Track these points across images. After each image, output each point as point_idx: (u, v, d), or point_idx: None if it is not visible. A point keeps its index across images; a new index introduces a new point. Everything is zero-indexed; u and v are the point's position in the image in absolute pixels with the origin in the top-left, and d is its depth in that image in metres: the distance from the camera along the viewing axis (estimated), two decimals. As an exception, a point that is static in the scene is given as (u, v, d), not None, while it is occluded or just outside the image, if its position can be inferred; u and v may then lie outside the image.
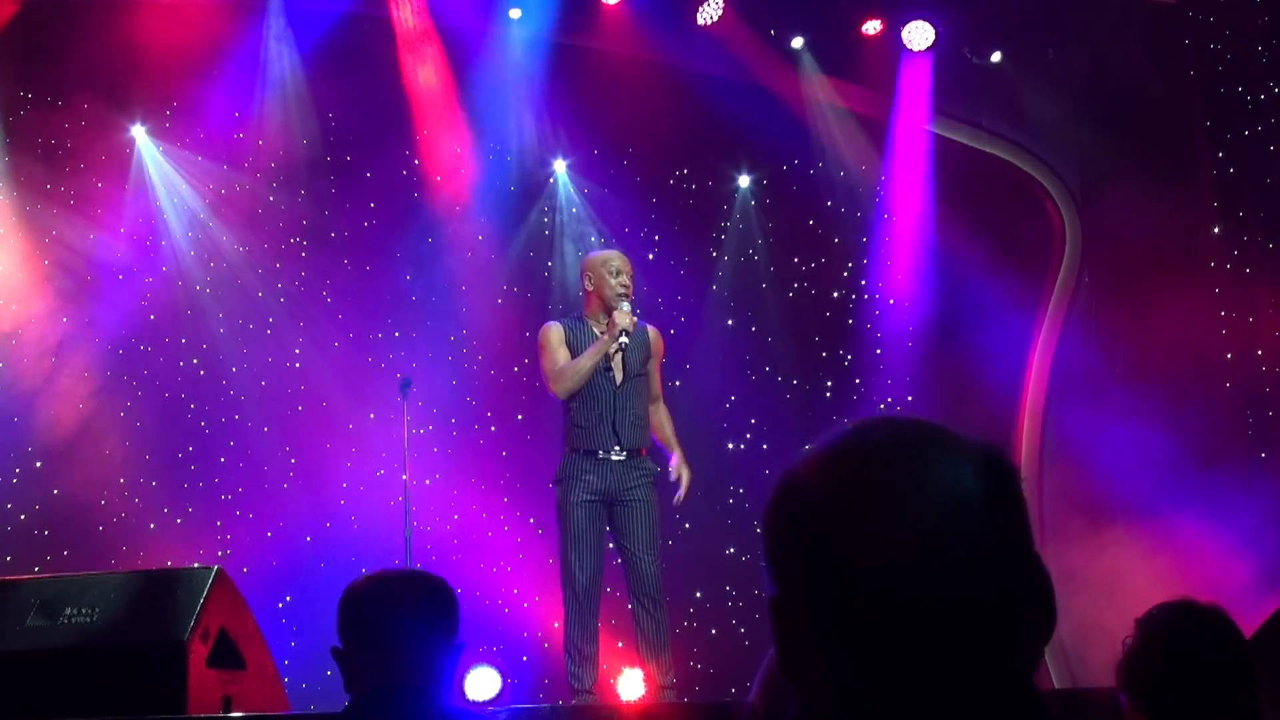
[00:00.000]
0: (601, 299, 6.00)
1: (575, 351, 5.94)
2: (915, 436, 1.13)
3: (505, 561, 8.65)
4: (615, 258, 6.11)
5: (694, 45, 9.05)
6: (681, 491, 6.10)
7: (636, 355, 6.02)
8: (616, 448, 5.87)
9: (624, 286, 5.97)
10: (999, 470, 1.13)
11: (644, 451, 5.98)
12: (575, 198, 9.28)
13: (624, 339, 5.86)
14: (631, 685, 6.29)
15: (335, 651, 2.62)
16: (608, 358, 5.91)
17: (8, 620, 5.12)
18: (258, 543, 8.16)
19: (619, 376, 5.93)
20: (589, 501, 5.86)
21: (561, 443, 6.06)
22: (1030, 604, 1.11)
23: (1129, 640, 2.46)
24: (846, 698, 1.09)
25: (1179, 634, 2.41)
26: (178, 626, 4.97)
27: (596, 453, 5.87)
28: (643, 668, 6.01)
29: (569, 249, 9.16)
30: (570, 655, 5.85)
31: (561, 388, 5.91)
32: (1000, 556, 1.09)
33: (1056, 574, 1.14)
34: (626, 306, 5.92)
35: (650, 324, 6.26)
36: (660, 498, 6.11)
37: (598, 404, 5.89)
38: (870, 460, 1.11)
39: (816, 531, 1.10)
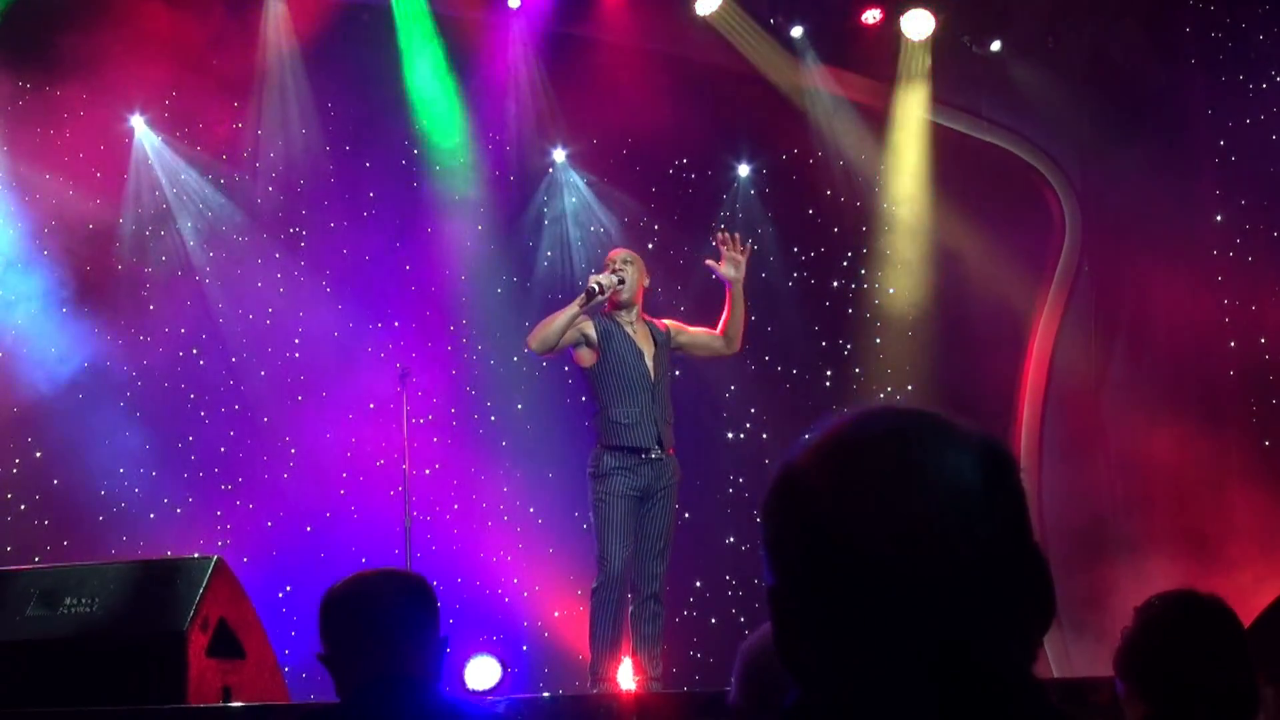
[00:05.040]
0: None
1: (605, 344, 5.94)
2: (914, 425, 1.12)
3: (505, 551, 8.65)
4: (619, 251, 6.26)
5: (693, 34, 9.04)
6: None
7: (663, 356, 6.09)
8: (657, 447, 5.91)
9: (614, 276, 6.02)
10: (998, 460, 1.12)
11: (671, 451, 6.00)
12: (575, 187, 9.26)
13: (595, 296, 5.88)
14: (624, 673, 6.31)
15: (322, 657, 2.62)
16: (641, 355, 5.95)
17: (7, 610, 5.13)
18: (257, 532, 8.16)
19: (652, 374, 5.97)
20: (630, 496, 5.88)
21: (596, 437, 6.03)
22: (1029, 594, 1.11)
23: (1128, 628, 2.47)
24: (845, 687, 1.09)
25: (1178, 622, 2.42)
26: (177, 616, 4.98)
27: (638, 451, 5.89)
28: (633, 657, 6.02)
29: (567, 238, 9.15)
30: (598, 641, 5.86)
31: (535, 338, 5.90)
32: (999, 546, 1.09)
33: (1056, 563, 1.14)
34: (604, 276, 5.99)
35: (660, 319, 6.30)
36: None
37: (636, 402, 5.92)
38: (869, 449, 1.11)
39: (815, 520, 1.10)
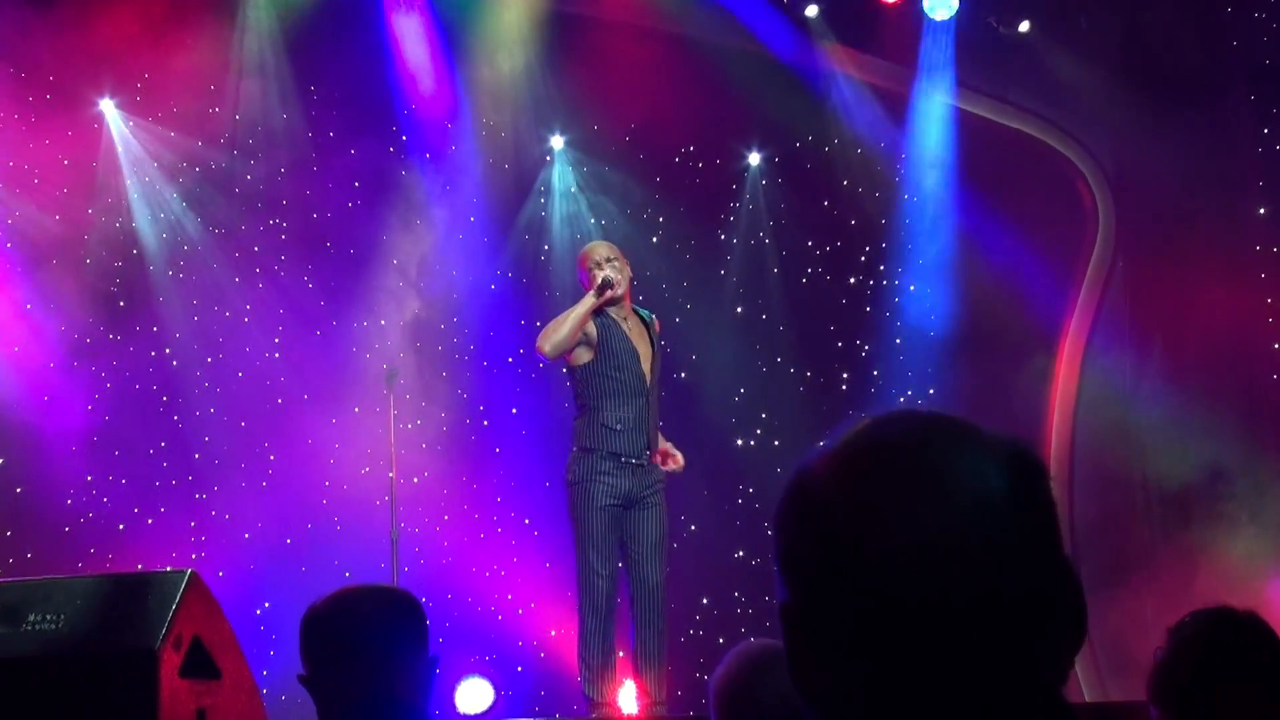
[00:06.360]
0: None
1: (604, 342, 5.97)
2: (936, 431, 1.13)
3: (499, 565, 8.65)
4: (600, 247, 6.26)
5: (701, 13, 9.04)
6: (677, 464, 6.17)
7: (658, 358, 6.16)
8: (646, 454, 5.92)
9: (615, 271, 6.04)
10: (1025, 468, 1.13)
11: (656, 458, 6.03)
12: (573, 177, 9.27)
13: (610, 290, 5.95)
14: (628, 699, 6.32)
15: (304, 679, 2.63)
16: (636, 355, 5.98)
17: (-33, 627, 5.12)
18: (234, 545, 8.16)
19: (648, 377, 6.00)
20: (612, 506, 5.88)
21: (575, 440, 6.04)
22: (1057, 612, 1.11)
23: (1161, 649, 2.46)
24: (857, 708, 1.10)
25: (1213, 642, 2.41)
26: (148, 634, 4.98)
27: (621, 456, 5.89)
28: (635, 681, 6.02)
29: (566, 231, 9.16)
30: (589, 666, 5.85)
31: (548, 342, 5.91)
32: (1023, 559, 1.09)
33: (1086, 580, 1.14)
34: (609, 270, 6.05)
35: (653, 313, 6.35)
36: (669, 504, 6.18)
37: (632, 406, 5.94)
38: (886, 456, 1.11)
39: (828, 531, 1.10)
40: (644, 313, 6.30)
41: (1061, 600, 1.11)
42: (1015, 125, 9.44)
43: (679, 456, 6.14)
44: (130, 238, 8.43)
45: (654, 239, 9.20)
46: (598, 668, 5.85)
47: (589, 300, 5.92)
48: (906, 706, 1.08)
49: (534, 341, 6.12)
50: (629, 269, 6.19)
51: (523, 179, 9.25)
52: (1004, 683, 1.08)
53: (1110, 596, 7.95)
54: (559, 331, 5.90)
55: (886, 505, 1.08)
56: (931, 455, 1.11)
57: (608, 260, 6.08)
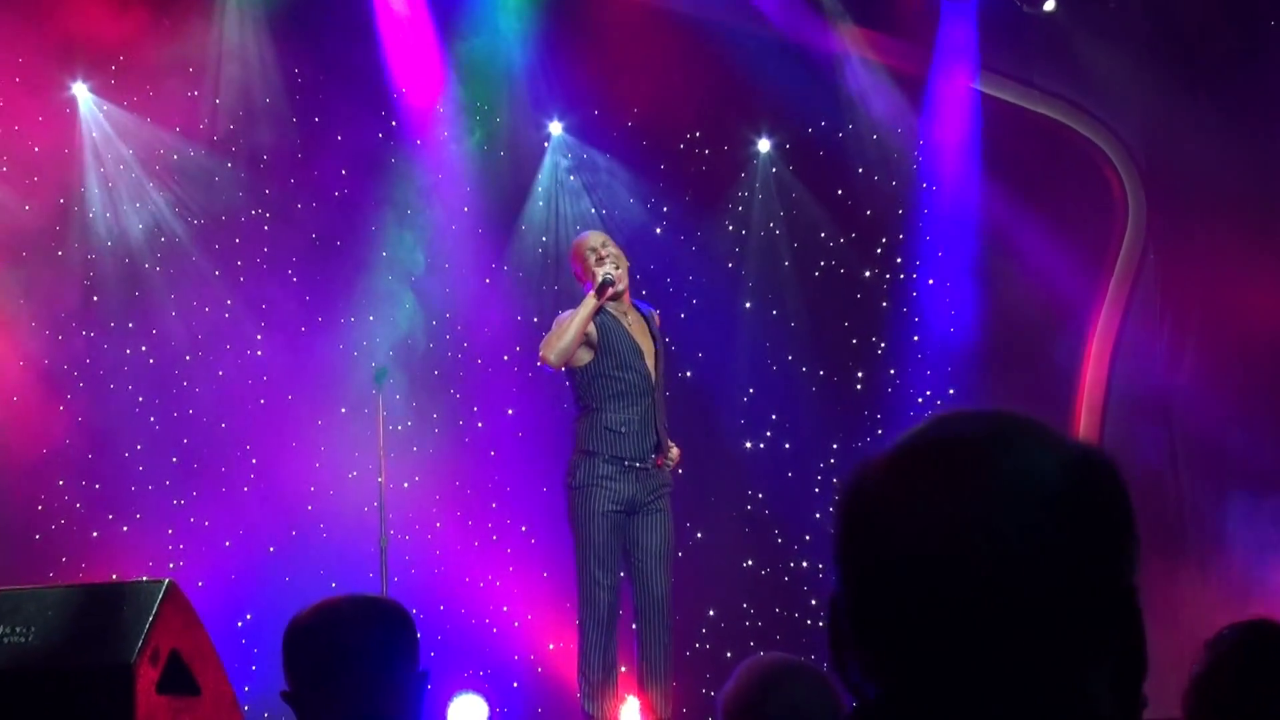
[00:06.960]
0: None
1: (605, 341, 5.99)
2: (1001, 430, 1.15)
3: (493, 575, 8.65)
4: (594, 237, 6.29)
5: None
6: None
7: (662, 354, 6.21)
8: (652, 458, 5.94)
9: (614, 264, 6.08)
10: (1092, 477, 1.14)
11: (661, 462, 6.04)
12: (573, 164, 9.26)
13: (611, 288, 5.98)
14: (631, 715, 6.33)
15: (287, 695, 2.63)
16: (640, 352, 6.00)
17: (-68, 640, 5.12)
18: (214, 553, 8.17)
19: (653, 375, 6.02)
20: (615, 512, 5.89)
21: (576, 442, 6.06)
22: (1106, 633, 1.12)
23: (1196, 664, 2.46)
24: (892, 704, 1.13)
25: (1252, 655, 2.41)
26: (124, 647, 4.98)
27: (624, 460, 5.90)
28: (639, 696, 6.03)
29: (565, 222, 9.15)
30: (590, 682, 5.87)
31: (553, 350, 5.93)
32: (1071, 571, 1.10)
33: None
34: (609, 266, 6.08)
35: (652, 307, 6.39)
36: (674, 510, 6.19)
37: (637, 406, 5.95)
38: (944, 451, 1.14)
39: (875, 522, 1.14)
40: (644, 307, 6.31)
41: (1112, 623, 1.13)
42: (1040, 109, 9.43)
43: (673, 449, 6.15)
44: (104, 229, 8.42)
45: (658, 230, 9.19)
46: (599, 683, 5.85)
47: (590, 302, 5.93)
48: (936, 706, 1.10)
49: (531, 338, 6.16)
50: (626, 260, 6.20)
51: (519, 166, 9.23)
52: (1036, 692, 1.09)
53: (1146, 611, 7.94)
54: (563, 339, 5.91)
55: (934, 500, 1.11)
56: (990, 453, 1.12)
57: (604, 247, 6.09)
